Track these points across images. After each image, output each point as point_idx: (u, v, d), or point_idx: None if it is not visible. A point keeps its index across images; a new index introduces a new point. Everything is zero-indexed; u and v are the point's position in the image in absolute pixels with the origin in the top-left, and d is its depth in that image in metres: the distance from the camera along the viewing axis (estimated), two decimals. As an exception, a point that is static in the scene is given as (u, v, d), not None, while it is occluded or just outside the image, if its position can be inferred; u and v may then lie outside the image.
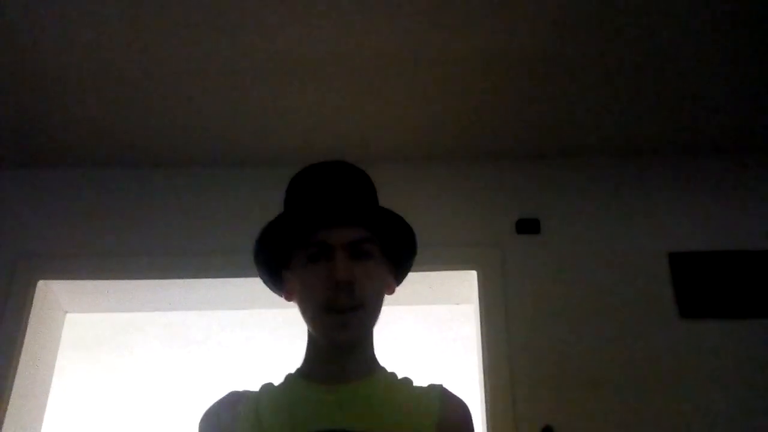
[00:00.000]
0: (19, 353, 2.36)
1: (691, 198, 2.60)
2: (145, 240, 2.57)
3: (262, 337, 3.61)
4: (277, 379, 1.24)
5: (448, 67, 2.29)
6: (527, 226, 2.55)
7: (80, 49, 2.20)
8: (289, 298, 1.23)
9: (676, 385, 2.28)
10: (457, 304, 2.80)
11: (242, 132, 2.57)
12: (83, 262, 2.53)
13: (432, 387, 1.21)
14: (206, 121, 2.51)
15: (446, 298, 2.74)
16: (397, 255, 1.26)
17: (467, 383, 2.82)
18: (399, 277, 1.30)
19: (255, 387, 1.23)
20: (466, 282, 2.54)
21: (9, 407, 2.28)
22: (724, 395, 2.26)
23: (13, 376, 2.33)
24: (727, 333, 2.34)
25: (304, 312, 1.18)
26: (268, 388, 1.22)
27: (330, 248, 1.15)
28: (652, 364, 2.31)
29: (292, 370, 1.23)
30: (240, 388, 1.23)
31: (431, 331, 3.53)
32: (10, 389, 2.30)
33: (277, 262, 1.24)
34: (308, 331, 1.21)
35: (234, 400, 1.20)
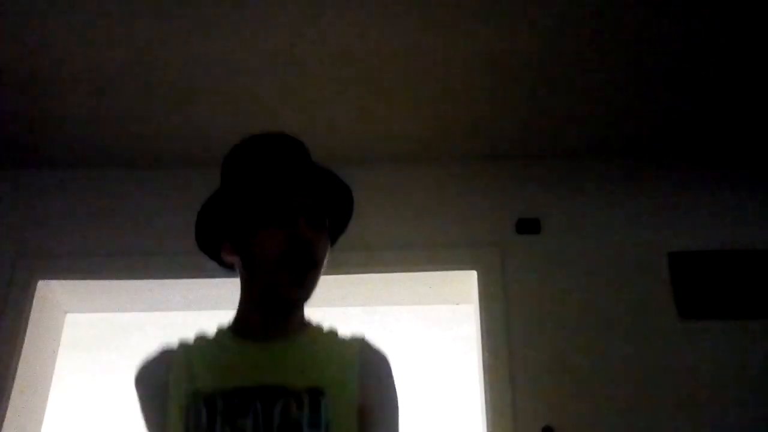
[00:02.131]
0: (19, 353, 2.37)
1: (691, 198, 2.60)
2: (145, 240, 2.57)
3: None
4: (210, 331, 1.28)
5: (449, 67, 2.29)
6: (527, 226, 2.55)
7: (80, 49, 2.20)
8: (227, 260, 1.27)
9: (676, 385, 2.28)
10: (457, 304, 2.80)
11: (242, 132, 2.55)
12: (83, 262, 2.53)
13: (354, 339, 1.27)
14: (206, 121, 2.51)
15: (446, 298, 2.74)
16: (335, 224, 1.32)
17: (467, 383, 2.83)
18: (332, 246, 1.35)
19: (188, 338, 1.27)
20: (466, 282, 2.54)
21: (9, 407, 2.29)
22: (724, 395, 2.26)
23: (13, 376, 2.33)
24: (727, 333, 2.34)
25: (256, 269, 1.22)
26: (201, 340, 1.27)
27: (293, 211, 1.21)
28: (651, 364, 2.31)
29: (224, 325, 1.28)
30: (172, 344, 1.28)
31: (431, 331, 3.53)
32: (10, 389, 2.31)
33: (219, 228, 1.29)
34: (245, 290, 1.26)
35: (165, 355, 1.26)
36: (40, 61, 2.24)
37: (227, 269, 1.31)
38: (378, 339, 1.27)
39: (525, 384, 2.28)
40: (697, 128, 2.57)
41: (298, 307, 1.25)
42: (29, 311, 2.43)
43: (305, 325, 1.27)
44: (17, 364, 2.35)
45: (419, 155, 2.66)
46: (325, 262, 1.24)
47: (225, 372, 1.17)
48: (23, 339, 2.39)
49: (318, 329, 1.28)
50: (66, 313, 2.71)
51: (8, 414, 2.28)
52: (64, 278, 2.54)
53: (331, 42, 2.19)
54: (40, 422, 2.54)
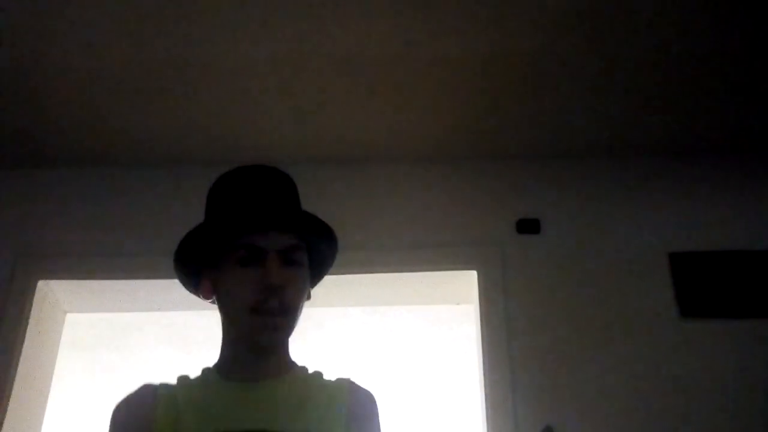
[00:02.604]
0: (19, 353, 2.36)
1: (691, 198, 2.60)
2: (145, 240, 2.56)
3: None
4: (194, 373, 1.26)
5: (449, 67, 2.29)
6: (527, 226, 2.55)
7: (80, 49, 2.20)
8: (207, 297, 1.26)
9: (676, 384, 2.28)
10: (457, 304, 2.80)
11: (242, 132, 2.57)
12: (83, 262, 2.53)
13: (340, 381, 1.24)
14: (206, 121, 2.51)
15: (446, 298, 2.74)
16: (317, 263, 1.28)
17: (467, 383, 2.83)
18: (313, 283, 1.31)
19: (170, 380, 1.25)
20: (466, 282, 2.54)
21: (9, 407, 2.28)
22: (724, 395, 2.26)
23: (13, 376, 2.32)
24: (727, 333, 2.34)
25: (227, 313, 1.21)
26: (184, 382, 1.24)
27: (263, 253, 1.16)
28: (652, 364, 2.31)
29: (209, 365, 1.26)
30: (154, 382, 1.25)
31: (431, 331, 3.53)
32: (10, 389, 2.30)
33: (198, 262, 1.26)
34: (225, 330, 1.24)
35: (148, 394, 1.21)
36: (40, 62, 2.24)
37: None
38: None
39: (525, 384, 2.28)
40: (697, 128, 2.57)
41: (274, 351, 1.21)
42: (29, 311, 2.43)
43: (291, 366, 1.24)
44: (17, 364, 2.35)
45: (419, 155, 2.66)
46: (302, 301, 1.20)
47: (211, 415, 1.14)
48: (23, 339, 2.38)
49: (303, 370, 1.25)
50: (66, 313, 2.71)
51: (8, 414, 2.28)
52: (64, 278, 2.54)
53: (330, 43, 2.19)
54: (40, 422, 2.54)
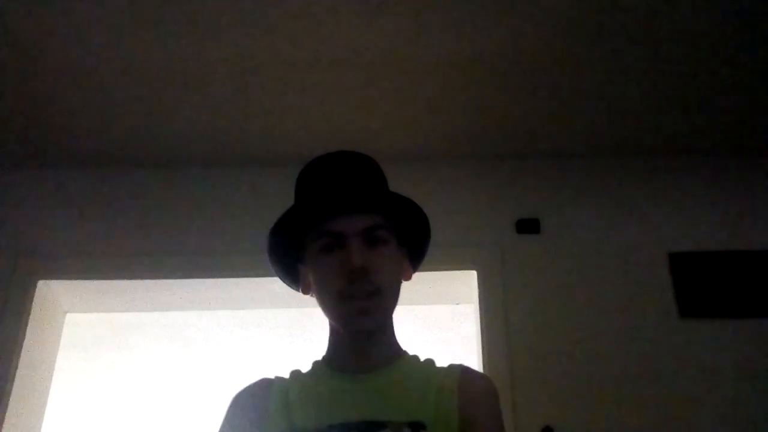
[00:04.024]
0: (19, 353, 2.36)
1: (691, 198, 2.60)
2: (145, 240, 2.56)
3: (262, 337, 3.61)
4: (305, 367, 1.24)
5: (449, 67, 2.29)
6: (527, 226, 2.55)
7: (80, 49, 2.20)
8: (306, 292, 1.23)
9: (676, 384, 2.28)
10: (457, 304, 2.80)
11: (242, 132, 2.57)
12: (83, 262, 2.53)
13: (452, 367, 1.21)
14: (206, 121, 2.51)
15: (446, 298, 2.74)
16: (411, 240, 1.26)
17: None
18: (415, 263, 1.30)
19: (284, 374, 1.24)
20: (466, 282, 2.54)
21: (9, 407, 2.28)
22: (724, 395, 2.26)
23: (13, 376, 2.32)
24: (727, 333, 2.34)
25: (323, 303, 1.18)
26: (296, 375, 1.22)
27: (343, 237, 1.15)
28: (652, 363, 2.31)
29: (318, 358, 1.24)
30: (270, 376, 1.23)
31: (431, 331, 3.53)
32: (10, 389, 2.30)
33: (292, 257, 1.23)
34: (329, 322, 1.22)
35: (264, 386, 1.20)
36: (39, 61, 2.24)
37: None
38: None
39: (525, 384, 2.28)
40: (697, 128, 2.57)
41: (376, 336, 1.18)
42: (29, 311, 2.43)
43: (400, 355, 1.22)
44: (17, 364, 2.35)
45: (419, 155, 2.66)
46: (394, 280, 1.19)
47: (323, 408, 1.13)
48: (23, 339, 2.38)
49: (414, 359, 1.23)
50: (66, 313, 2.71)
51: (8, 414, 2.28)
52: (64, 278, 2.54)
53: (330, 42, 2.19)
54: (40, 422, 2.54)
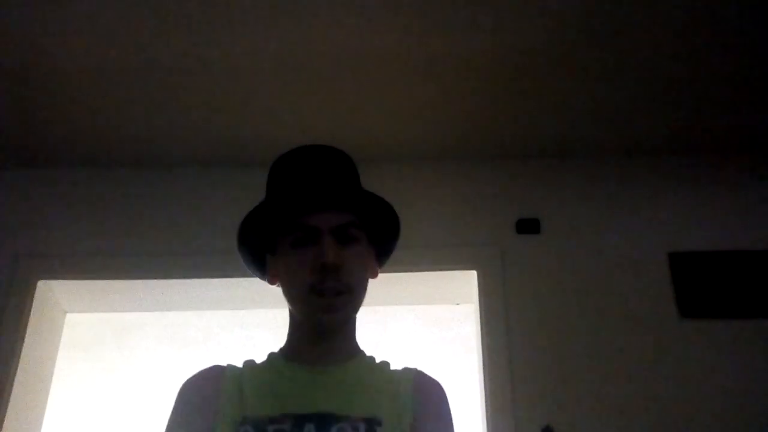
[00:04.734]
0: (19, 353, 2.36)
1: (691, 198, 2.60)
2: (145, 240, 2.57)
3: (262, 337, 3.61)
4: (260, 357, 1.25)
5: (449, 67, 2.29)
6: (527, 226, 2.55)
7: (80, 49, 2.20)
8: (272, 282, 1.24)
9: (676, 385, 2.28)
10: (457, 304, 2.80)
11: (242, 132, 2.57)
12: (83, 262, 2.53)
13: (407, 370, 1.23)
14: (206, 121, 2.51)
15: (446, 298, 2.74)
16: (380, 239, 1.27)
17: (467, 383, 2.83)
18: (381, 261, 1.30)
19: (237, 363, 1.24)
20: (466, 282, 2.54)
21: (9, 407, 2.28)
22: (724, 395, 2.26)
23: (13, 376, 2.32)
24: (727, 333, 2.34)
25: (290, 295, 1.19)
26: (251, 365, 1.22)
27: (317, 232, 1.15)
28: (652, 364, 2.31)
29: (275, 350, 1.25)
30: (222, 363, 1.23)
31: (431, 331, 3.53)
32: (10, 389, 2.30)
33: (261, 247, 1.24)
34: (290, 313, 1.23)
35: (215, 374, 1.19)
36: (39, 61, 2.24)
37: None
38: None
39: (525, 384, 2.28)
40: (697, 128, 2.57)
41: (340, 332, 1.19)
42: (29, 311, 2.43)
43: (357, 352, 1.23)
44: (17, 364, 2.35)
45: (419, 155, 2.66)
46: (362, 279, 1.19)
47: (277, 397, 1.13)
48: (23, 339, 2.38)
49: (371, 359, 1.24)
50: (66, 313, 2.71)
51: (8, 414, 2.28)
52: (64, 278, 2.54)
53: (330, 42, 2.19)
54: (40, 422, 2.54)
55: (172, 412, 1.18)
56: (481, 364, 2.34)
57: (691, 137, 2.61)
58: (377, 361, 1.25)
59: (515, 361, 2.31)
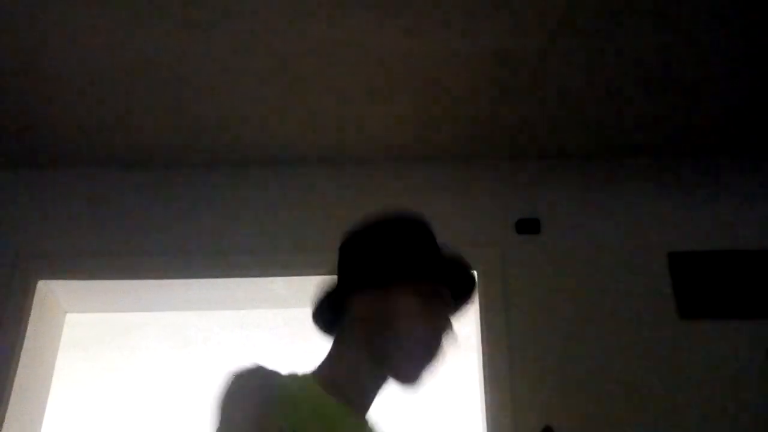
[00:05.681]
0: (19, 353, 2.36)
1: (691, 198, 2.60)
2: (145, 240, 2.57)
3: (262, 337, 3.61)
4: (299, 374, 1.19)
5: (449, 67, 2.29)
6: (527, 226, 2.55)
7: (80, 49, 2.20)
8: (359, 309, 1.21)
9: (676, 385, 2.28)
10: (457, 303, 2.79)
11: (242, 132, 2.57)
12: (83, 262, 2.53)
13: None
14: (206, 121, 2.51)
15: (446, 298, 2.74)
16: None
17: (467, 383, 2.83)
18: None
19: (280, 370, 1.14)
20: (466, 282, 2.53)
21: (9, 407, 2.28)
22: (724, 395, 2.26)
23: (13, 376, 2.32)
24: (727, 333, 2.34)
25: (389, 338, 1.18)
26: (300, 385, 1.15)
27: (446, 300, 1.24)
28: (651, 364, 2.31)
29: (306, 372, 1.20)
30: (267, 367, 1.11)
31: (431, 331, 3.53)
32: (10, 389, 2.30)
33: (365, 275, 1.24)
34: (355, 351, 1.20)
35: (274, 383, 1.09)
36: (39, 61, 2.24)
37: (322, 325, 1.28)
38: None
39: (525, 384, 2.28)
40: (696, 128, 2.57)
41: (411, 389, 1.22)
42: (29, 311, 2.43)
43: None
44: (17, 364, 2.35)
45: (419, 155, 2.66)
46: None
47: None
48: (23, 339, 2.38)
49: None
50: (66, 313, 2.71)
51: (8, 414, 2.28)
52: (64, 278, 2.54)
53: (330, 42, 2.19)
54: (40, 422, 2.54)
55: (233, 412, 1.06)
56: (481, 363, 2.34)
57: (691, 137, 2.61)
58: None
59: (515, 361, 2.31)
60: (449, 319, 1.22)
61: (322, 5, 2.07)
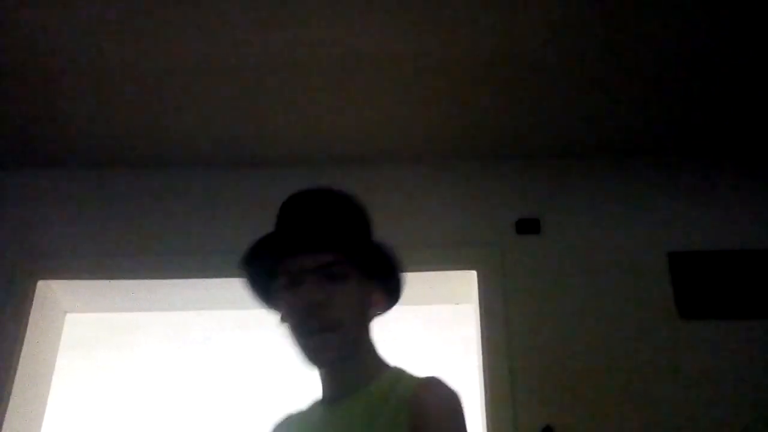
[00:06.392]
0: (19, 353, 2.37)
1: (691, 198, 2.60)
2: (145, 240, 2.56)
3: (262, 337, 3.61)
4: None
5: (449, 67, 2.29)
6: (527, 226, 2.55)
7: (80, 49, 2.20)
8: (283, 321, 1.24)
9: (676, 384, 2.28)
10: (457, 304, 2.80)
11: (242, 132, 2.57)
12: (83, 262, 2.53)
13: (406, 389, 1.16)
14: (206, 121, 2.51)
15: (446, 298, 2.74)
16: (373, 271, 1.26)
17: (467, 383, 2.83)
18: (392, 293, 1.30)
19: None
20: (466, 282, 2.54)
21: (9, 407, 2.29)
22: (724, 395, 2.26)
23: (13, 376, 2.33)
24: (727, 333, 2.34)
25: (290, 337, 1.22)
26: (309, 406, 1.30)
27: (300, 275, 1.18)
28: (651, 364, 2.31)
29: None
30: (294, 410, 1.32)
31: (431, 331, 3.53)
32: (10, 389, 2.31)
33: (266, 292, 1.27)
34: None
35: (283, 423, 1.31)
36: (40, 61, 2.24)
37: None
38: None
39: (525, 384, 2.28)
40: (696, 128, 2.57)
41: (343, 367, 1.20)
42: (29, 311, 2.43)
43: (372, 380, 1.20)
44: (17, 364, 2.35)
45: (419, 155, 2.66)
46: (353, 314, 1.19)
47: None
48: (23, 339, 2.39)
49: (381, 380, 1.20)
50: (66, 313, 2.71)
51: (8, 414, 2.28)
52: (64, 278, 2.54)
53: (330, 43, 2.19)
54: (40, 422, 2.54)
55: None
56: (481, 364, 2.34)
57: (691, 137, 2.61)
58: (390, 377, 1.21)
59: (515, 361, 2.31)
60: (306, 291, 1.16)
61: (322, 5, 2.07)
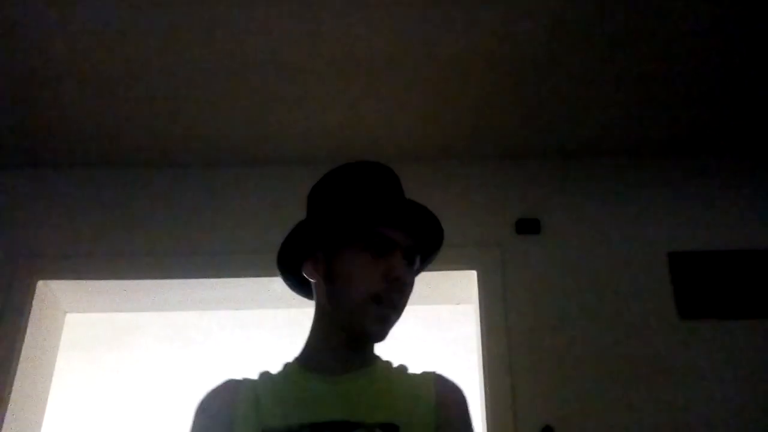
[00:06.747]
0: (19, 353, 2.37)
1: (691, 198, 2.60)
2: (145, 240, 2.57)
3: (262, 337, 3.61)
4: (275, 368, 1.25)
5: (449, 67, 2.29)
6: (527, 226, 2.55)
7: (80, 49, 2.20)
8: (311, 276, 1.23)
9: (676, 385, 2.28)
10: (457, 304, 2.80)
11: (243, 132, 2.57)
12: (83, 262, 2.53)
13: (426, 373, 1.24)
14: (207, 121, 2.51)
15: (446, 298, 2.74)
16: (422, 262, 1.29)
17: (467, 383, 2.83)
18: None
19: (252, 375, 1.24)
20: (466, 282, 2.54)
21: (9, 407, 2.29)
22: (724, 395, 2.26)
23: (13, 376, 2.33)
24: (727, 333, 2.34)
25: (344, 296, 1.17)
26: (267, 376, 1.23)
27: (392, 246, 1.17)
28: (651, 364, 2.31)
29: (290, 359, 1.25)
30: (237, 377, 1.23)
31: (431, 331, 3.53)
32: (10, 389, 2.31)
33: (310, 244, 1.23)
34: (321, 318, 1.22)
35: (231, 387, 1.20)
36: (40, 61, 2.24)
37: (300, 293, 1.29)
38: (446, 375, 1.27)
39: (525, 384, 2.28)
40: (696, 128, 2.57)
41: (371, 344, 1.23)
42: (29, 311, 2.43)
43: (374, 360, 1.24)
44: (17, 364, 2.35)
45: (419, 155, 2.66)
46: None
47: (294, 408, 1.14)
48: (23, 339, 2.39)
49: (387, 364, 1.24)
50: (66, 313, 2.72)
51: (8, 414, 2.28)
52: (64, 278, 2.54)
53: (329, 43, 2.19)
54: (40, 422, 2.54)
55: (191, 429, 1.18)
56: (481, 364, 2.34)
57: (691, 137, 2.61)
58: (394, 365, 1.25)
59: (515, 361, 2.31)
60: (402, 267, 1.16)
61: (321, 5, 2.07)
